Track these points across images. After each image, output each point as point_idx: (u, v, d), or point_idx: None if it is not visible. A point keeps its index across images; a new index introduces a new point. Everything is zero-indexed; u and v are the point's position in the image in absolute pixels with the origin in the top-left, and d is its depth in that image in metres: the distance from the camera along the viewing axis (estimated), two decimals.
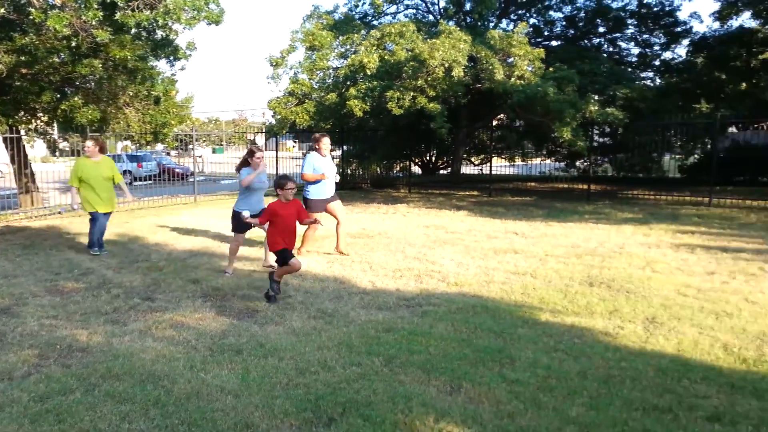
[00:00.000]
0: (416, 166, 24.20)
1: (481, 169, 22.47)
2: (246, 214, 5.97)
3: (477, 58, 13.95)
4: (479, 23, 18.11)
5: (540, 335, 4.73)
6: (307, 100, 16.58)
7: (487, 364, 4.13)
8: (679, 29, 19.27)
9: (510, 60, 14.01)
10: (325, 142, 7.89)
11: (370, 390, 3.70)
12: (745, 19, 17.45)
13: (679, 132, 18.44)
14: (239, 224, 6.75)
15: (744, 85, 18.26)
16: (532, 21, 20.65)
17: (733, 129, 22.96)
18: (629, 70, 19.56)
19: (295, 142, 32.80)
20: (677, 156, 19.56)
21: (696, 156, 19.13)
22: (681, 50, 20.03)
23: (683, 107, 17.42)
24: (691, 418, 3.36)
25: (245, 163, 7.11)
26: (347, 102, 14.05)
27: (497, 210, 13.11)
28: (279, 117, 16.62)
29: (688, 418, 3.36)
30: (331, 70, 17.17)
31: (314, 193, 7.80)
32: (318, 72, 16.92)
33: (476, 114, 19.18)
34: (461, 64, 13.18)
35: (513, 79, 13.51)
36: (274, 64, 16.96)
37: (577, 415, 3.38)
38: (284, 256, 5.67)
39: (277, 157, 19.07)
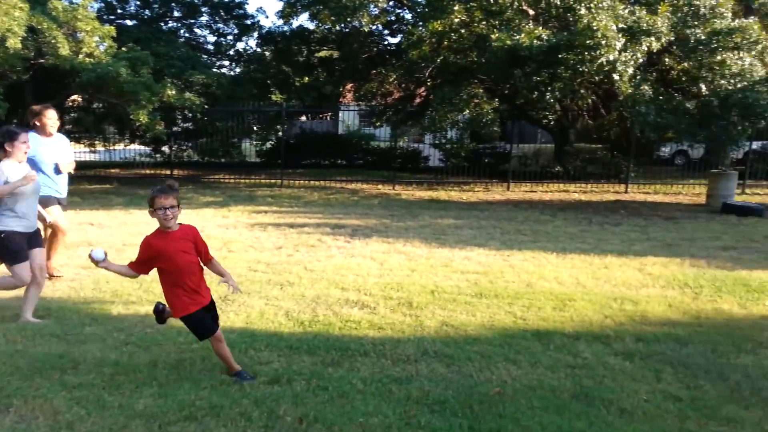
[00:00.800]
0: None
1: None
2: (99, 253, 3.68)
3: (38, 30, 12.30)
4: None
5: (110, 331, 4.49)
6: None
7: (46, 374, 3.70)
8: (248, 22, 20.53)
9: (78, 35, 12.80)
10: (50, 116, 5.62)
11: None
12: (304, 21, 19.68)
13: (255, 119, 19.84)
14: (15, 249, 4.50)
15: (307, 78, 20.68)
16: None
17: (304, 118, 25.89)
18: (206, 57, 20.04)
19: None
20: (255, 141, 21.03)
21: (271, 142, 20.86)
22: (253, 42, 21.47)
23: (259, 96, 18.75)
24: (255, 385, 3.62)
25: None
26: None
27: (72, 200, 11.89)
28: None
29: (251, 386, 3.61)
30: None
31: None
32: None
33: (44, 93, 16.86)
34: (18, 34, 11.40)
35: (81, 56, 12.37)
36: None
37: (145, 407, 3.31)
38: (205, 326, 3.69)
39: None
